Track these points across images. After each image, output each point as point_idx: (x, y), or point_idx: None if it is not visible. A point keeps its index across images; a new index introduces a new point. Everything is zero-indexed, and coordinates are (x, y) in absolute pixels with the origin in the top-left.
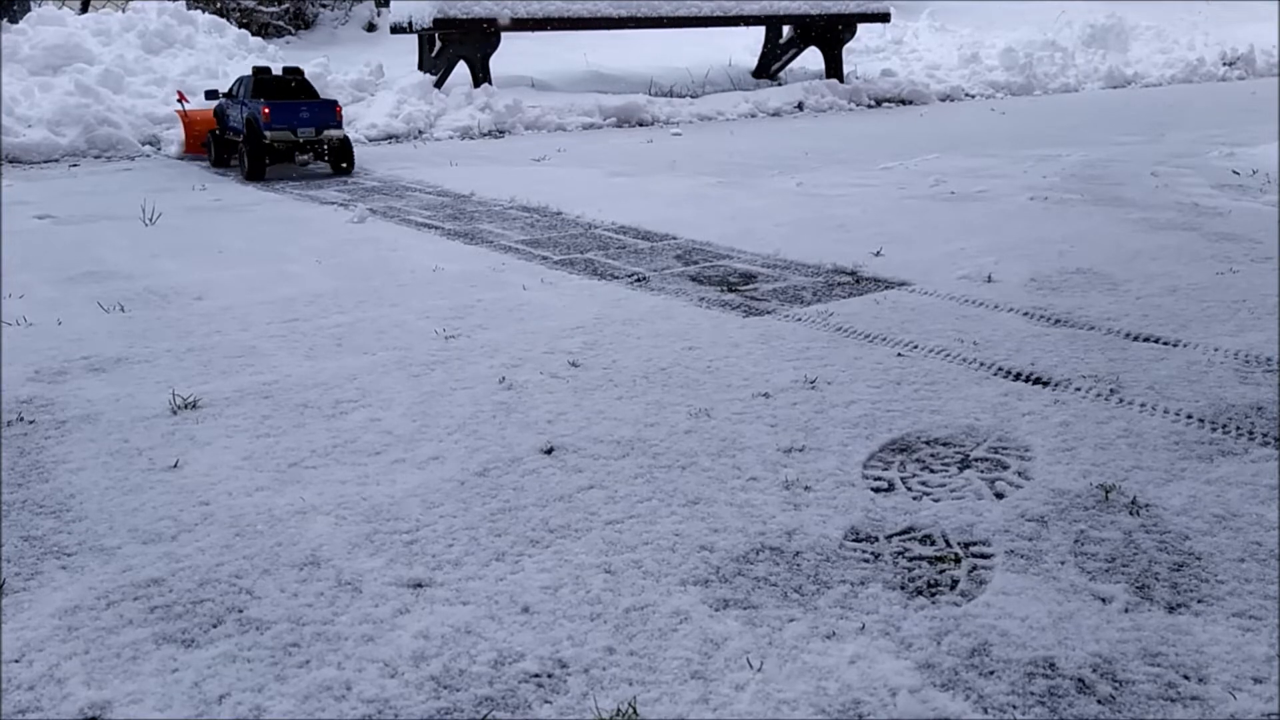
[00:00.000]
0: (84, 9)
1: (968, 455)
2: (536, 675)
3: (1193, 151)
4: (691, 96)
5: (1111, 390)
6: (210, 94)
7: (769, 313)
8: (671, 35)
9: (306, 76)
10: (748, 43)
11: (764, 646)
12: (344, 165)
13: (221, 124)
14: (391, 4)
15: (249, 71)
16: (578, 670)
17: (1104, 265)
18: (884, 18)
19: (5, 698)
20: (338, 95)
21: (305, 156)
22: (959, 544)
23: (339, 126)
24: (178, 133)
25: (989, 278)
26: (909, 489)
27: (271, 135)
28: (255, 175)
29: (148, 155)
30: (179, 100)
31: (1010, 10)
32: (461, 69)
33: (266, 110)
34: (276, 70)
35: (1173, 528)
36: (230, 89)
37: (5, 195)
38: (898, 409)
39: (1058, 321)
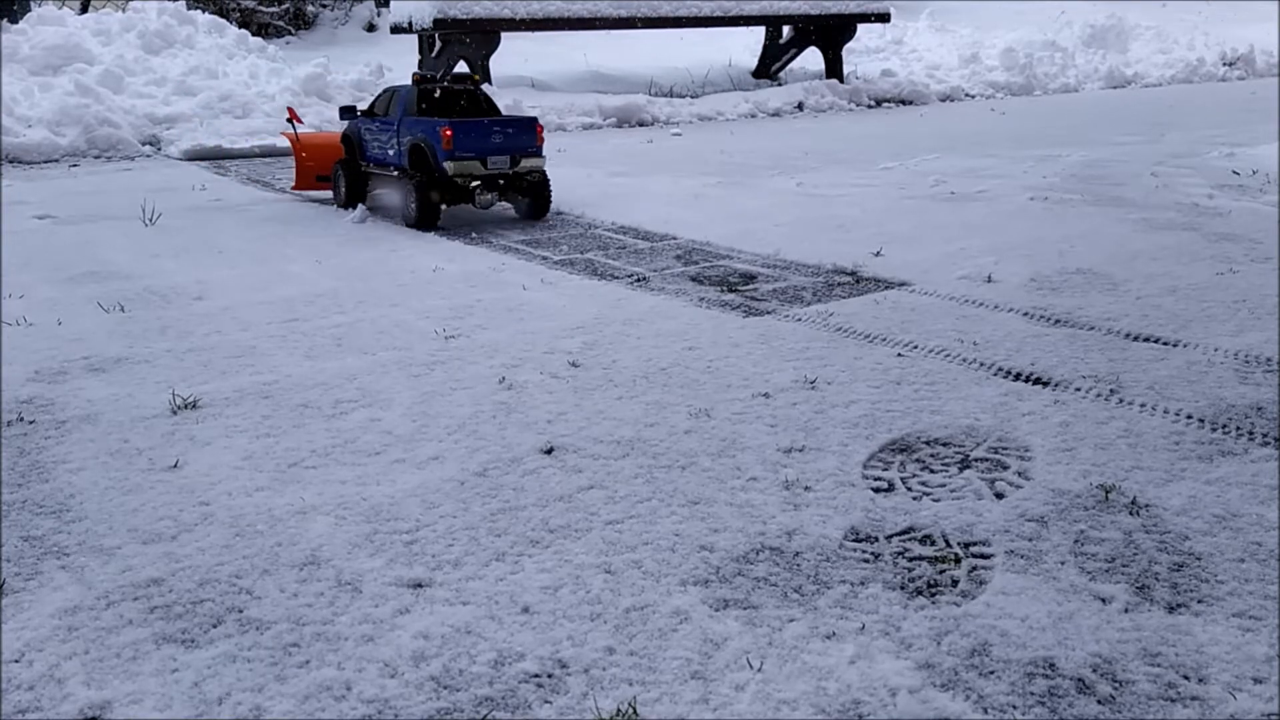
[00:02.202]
0: (84, 9)
1: (968, 455)
2: (536, 675)
3: (1193, 151)
4: (691, 96)
5: (1111, 390)
6: (346, 111)
7: (769, 313)
8: (671, 35)
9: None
10: (748, 43)
11: (764, 646)
12: (541, 209)
13: (356, 151)
14: (391, 4)
15: (398, 81)
16: (578, 670)
17: (1104, 265)
18: (884, 18)
19: (5, 698)
20: (337, 95)
21: (489, 195)
22: (959, 544)
23: (539, 154)
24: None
25: (989, 278)
26: (909, 489)
27: (454, 167)
28: (426, 221)
29: (148, 155)
30: (289, 120)
31: (1010, 10)
32: (461, 69)
33: (449, 132)
34: (429, 77)
35: (1173, 528)
36: (372, 105)
37: (5, 195)
38: (898, 409)
39: (1058, 321)
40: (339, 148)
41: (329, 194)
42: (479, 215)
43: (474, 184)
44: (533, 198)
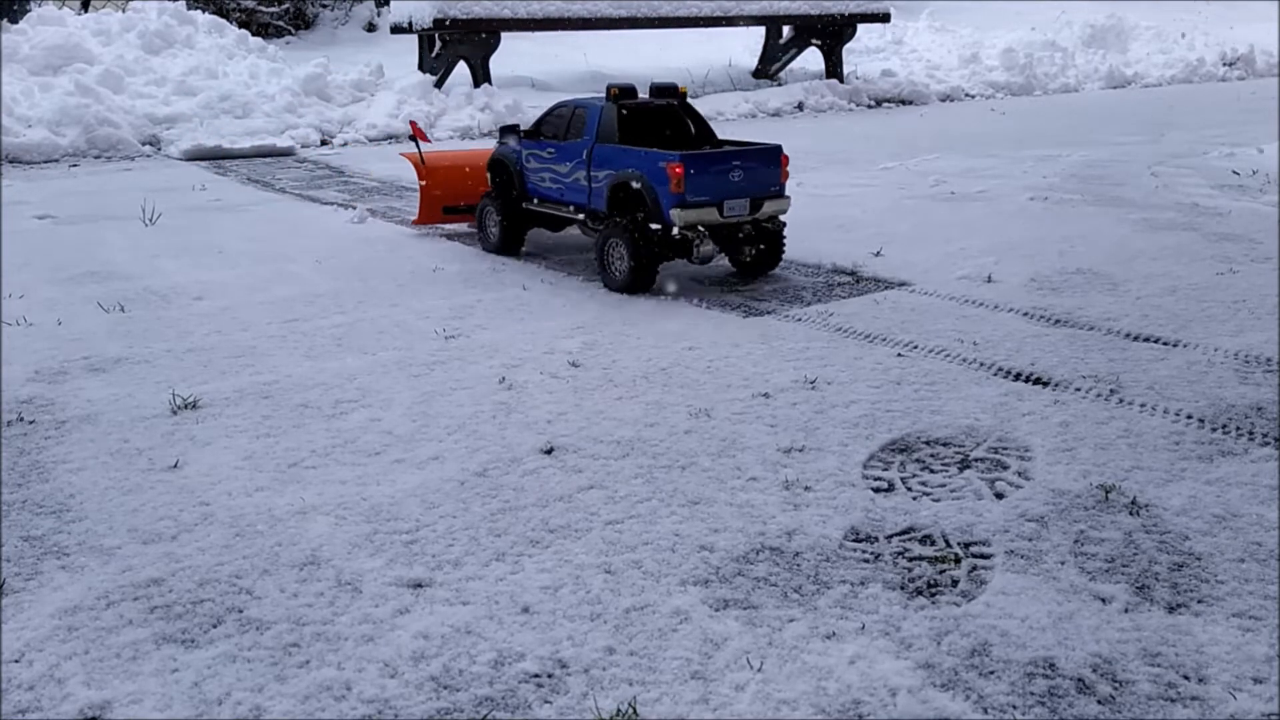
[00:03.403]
0: (84, 9)
1: (968, 455)
2: (536, 675)
3: (1193, 151)
4: (691, 96)
5: (1111, 390)
6: (507, 131)
7: (769, 313)
8: (671, 35)
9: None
10: (748, 43)
11: (764, 646)
12: (771, 261)
13: (515, 182)
14: (391, 4)
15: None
16: (578, 670)
17: (1104, 265)
18: (884, 18)
19: (5, 698)
20: (337, 95)
21: (710, 246)
22: (959, 544)
23: (783, 193)
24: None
25: (989, 278)
26: (909, 489)
27: (684, 216)
28: (640, 284)
29: (148, 155)
30: (413, 138)
31: (1010, 10)
32: (461, 69)
33: (680, 169)
34: (628, 90)
35: (1173, 528)
36: (539, 124)
37: (5, 195)
38: (898, 409)
39: (1058, 321)
40: (475, 173)
41: (458, 227)
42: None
43: (698, 243)
44: (765, 248)
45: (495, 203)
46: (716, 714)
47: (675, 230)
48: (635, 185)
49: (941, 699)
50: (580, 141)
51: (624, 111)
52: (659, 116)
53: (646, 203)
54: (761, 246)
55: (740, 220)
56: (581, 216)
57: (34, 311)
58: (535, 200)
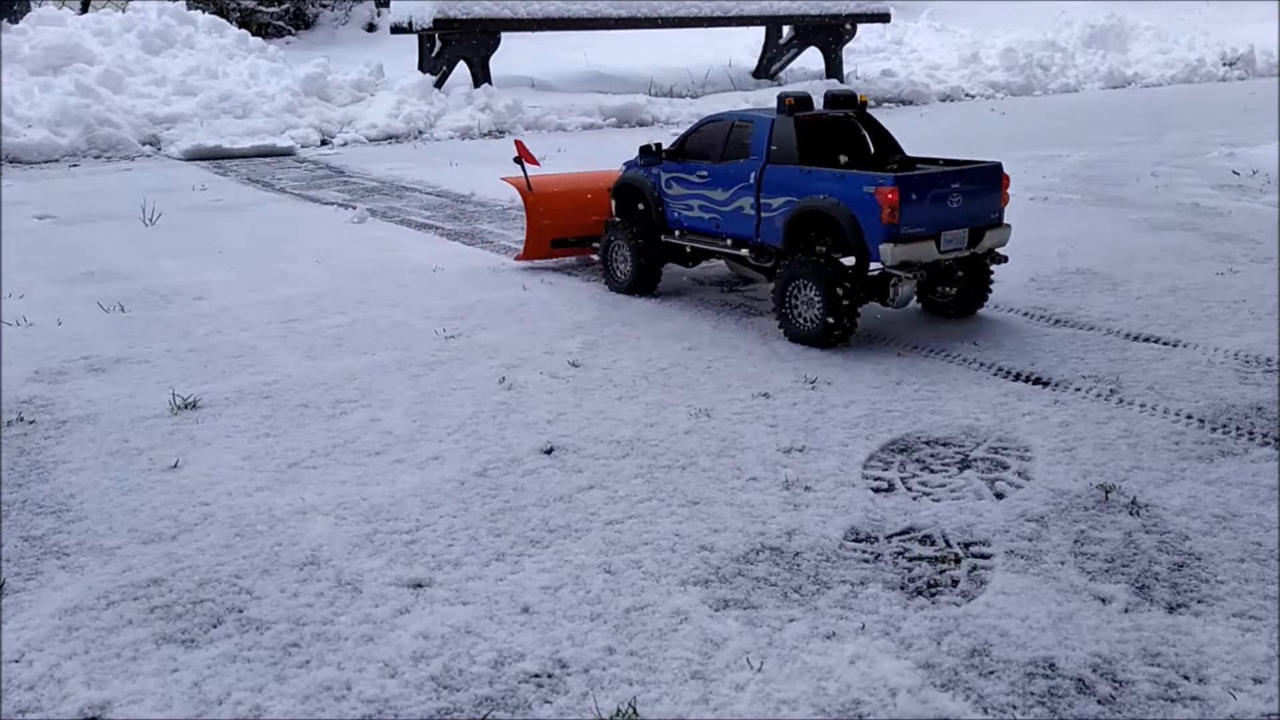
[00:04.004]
0: (84, 9)
1: (968, 455)
2: (536, 675)
3: (1193, 151)
4: (691, 97)
5: (1111, 390)
6: (647, 153)
7: (769, 313)
8: (671, 35)
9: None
10: (748, 43)
11: (764, 646)
12: (977, 299)
13: (651, 210)
14: (391, 4)
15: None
16: (578, 670)
17: (1104, 265)
18: (884, 18)
19: (5, 698)
20: (337, 95)
21: (910, 286)
22: (959, 544)
23: (1002, 220)
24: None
25: None
26: (909, 489)
27: (898, 252)
28: (838, 333)
29: (148, 155)
30: (518, 159)
31: (1010, 10)
32: (461, 69)
33: (894, 195)
34: (803, 99)
35: (1173, 528)
36: (683, 142)
37: (5, 195)
38: (898, 409)
39: (1058, 321)
40: (592, 200)
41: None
42: (479, 215)
43: (897, 281)
44: (973, 284)
45: (626, 235)
46: (716, 714)
47: (879, 268)
48: (828, 215)
49: (941, 699)
50: (745, 163)
51: (802, 126)
52: (835, 130)
53: (846, 236)
54: (961, 281)
55: (958, 256)
56: (744, 252)
57: (34, 311)
58: (678, 232)
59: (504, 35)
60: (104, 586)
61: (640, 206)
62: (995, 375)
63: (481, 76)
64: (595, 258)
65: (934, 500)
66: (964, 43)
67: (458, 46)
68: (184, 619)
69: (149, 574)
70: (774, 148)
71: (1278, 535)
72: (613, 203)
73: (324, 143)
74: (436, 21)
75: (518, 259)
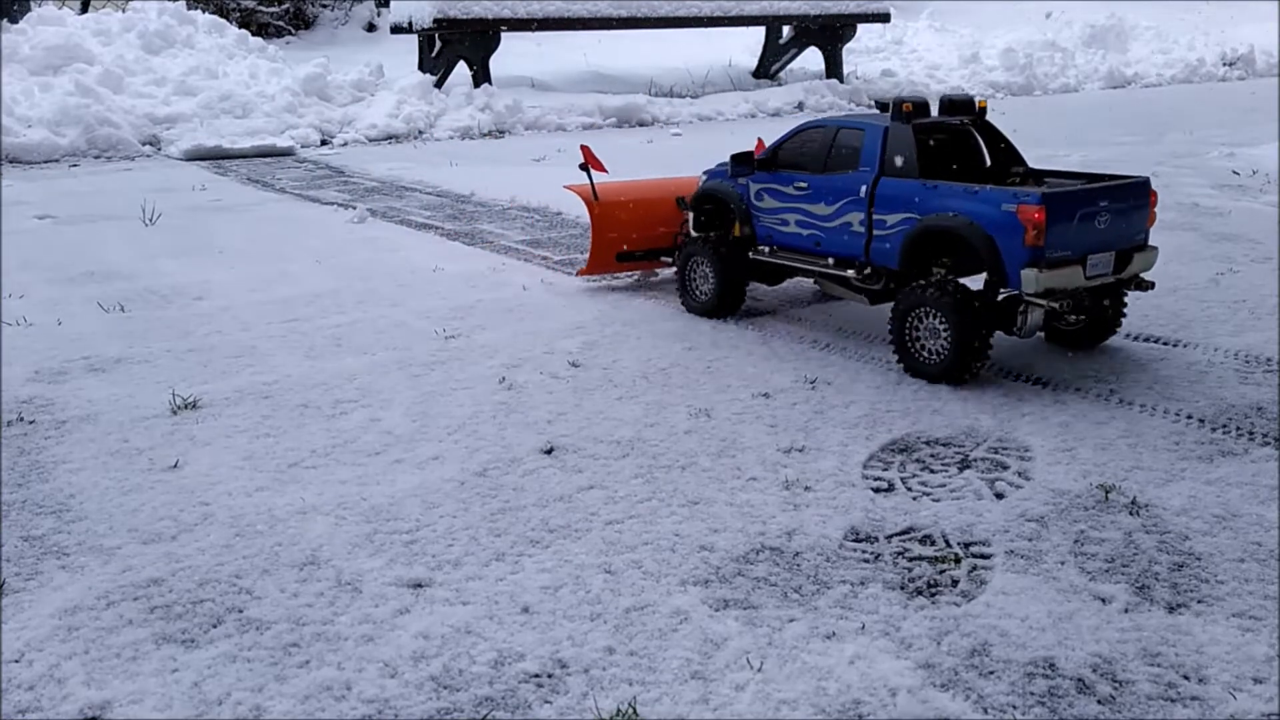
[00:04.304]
0: (84, 9)
1: (968, 455)
2: (536, 675)
3: (1193, 151)
4: (691, 97)
5: (1111, 390)
6: (741, 163)
7: (769, 313)
8: (671, 35)
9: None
10: (748, 43)
11: (764, 646)
12: (1109, 327)
13: (740, 223)
14: (391, 4)
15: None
16: (578, 670)
17: None
18: (884, 18)
19: (5, 698)
20: (337, 95)
21: (1038, 315)
22: (959, 544)
23: (1148, 241)
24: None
25: None
26: (909, 489)
27: (1043, 279)
28: (966, 365)
29: (148, 155)
30: (584, 166)
31: (1010, 10)
32: (461, 69)
33: (1040, 215)
34: (921, 105)
35: (1173, 528)
36: (775, 150)
37: (5, 195)
38: (898, 409)
39: None
40: (661, 211)
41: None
42: (479, 215)
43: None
44: (1108, 310)
45: (710, 251)
46: (716, 714)
47: (1033, 298)
48: (959, 235)
49: (941, 699)
50: (854, 175)
51: (922, 135)
52: (951, 139)
53: (979, 259)
54: (1094, 307)
55: (1103, 283)
56: (849, 273)
57: (34, 311)
58: (769, 249)
59: (504, 35)
60: (104, 586)
61: (725, 220)
62: (995, 375)
63: (481, 76)
64: (662, 272)
65: (934, 500)
66: (964, 43)
67: (458, 46)
68: (184, 619)
69: (149, 574)
70: (889, 158)
71: (1278, 535)
72: (690, 215)
73: (324, 143)
74: (436, 21)
75: (580, 274)
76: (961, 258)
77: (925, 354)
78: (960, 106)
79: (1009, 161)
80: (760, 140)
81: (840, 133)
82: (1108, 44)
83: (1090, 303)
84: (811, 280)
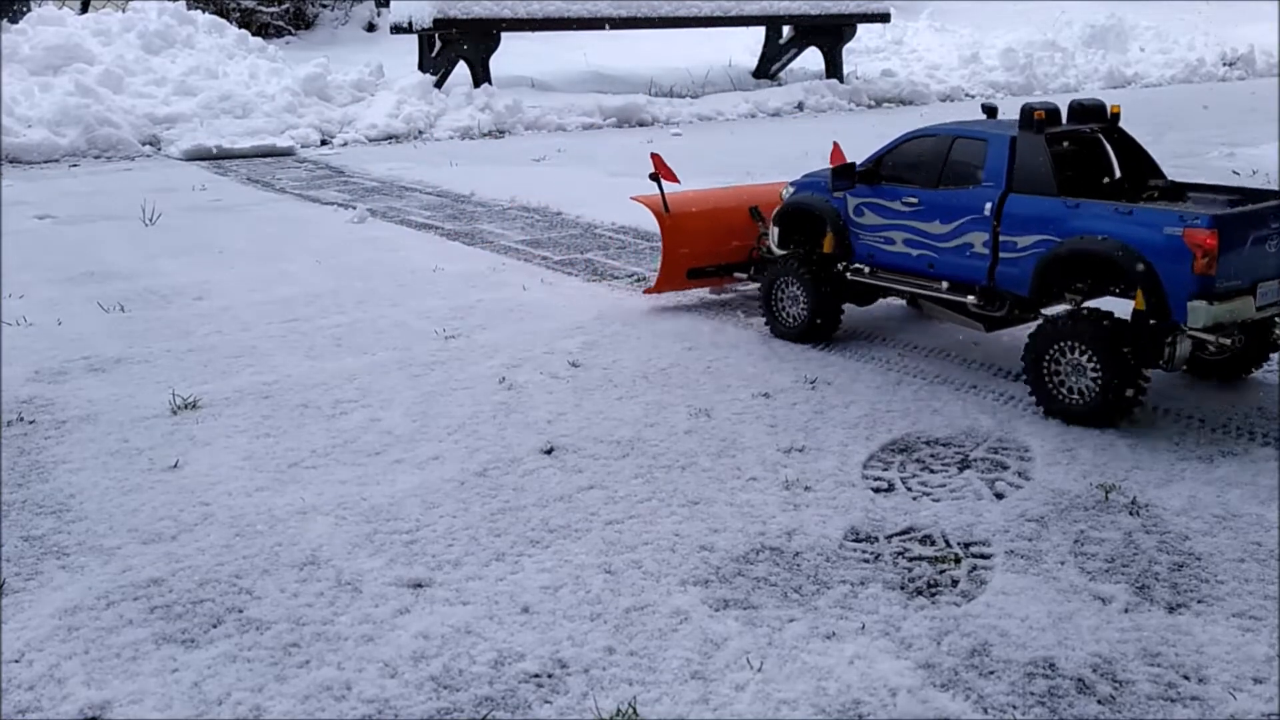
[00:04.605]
0: (84, 9)
1: (968, 455)
2: (536, 675)
3: (1193, 151)
4: (691, 96)
5: None
6: (844, 176)
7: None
8: (671, 35)
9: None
10: (748, 43)
11: (764, 646)
12: (1252, 363)
13: (836, 239)
14: (391, 4)
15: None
16: (578, 670)
17: None
18: (884, 18)
19: (5, 698)
20: (337, 95)
21: (1186, 347)
22: (959, 544)
23: None
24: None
25: None
26: (909, 489)
27: (1213, 313)
28: (1122, 407)
29: (148, 155)
30: (654, 176)
31: (1010, 10)
32: (461, 69)
33: (1211, 240)
34: (1052, 112)
35: (1173, 528)
36: (878, 160)
37: (5, 195)
38: (898, 409)
39: None
40: (735, 223)
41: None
42: (479, 215)
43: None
44: (1257, 342)
45: (800, 270)
46: (716, 714)
47: (1202, 332)
48: (1111, 259)
49: (941, 699)
50: (976, 190)
51: (1055, 146)
52: (1079, 148)
53: (1136, 288)
54: (1244, 338)
55: (1273, 314)
56: (969, 299)
57: (34, 311)
58: (868, 269)
59: (504, 35)
60: (104, 586)
61: (811, 234)
62: (995, 375)
63: (481, 76)
64: (735, 287)
65: (934, 500)
66: (964, 43)
67: (458, 46)
68: (184, 619)
69: (149, 574)
70: (1019, 172)
71: (1278, 535)
72: (775, 230)
73: (324, 143)
74: (436, 21)
75: (647, 292)
76: (1100, 283)
77: (1068, 392)
78: (1091, 113)
79: (1144, 173)
80: (836, 145)
81: (956, 143)
82: (1108, 44)
83: (1274, 335)
84: (904, 301)
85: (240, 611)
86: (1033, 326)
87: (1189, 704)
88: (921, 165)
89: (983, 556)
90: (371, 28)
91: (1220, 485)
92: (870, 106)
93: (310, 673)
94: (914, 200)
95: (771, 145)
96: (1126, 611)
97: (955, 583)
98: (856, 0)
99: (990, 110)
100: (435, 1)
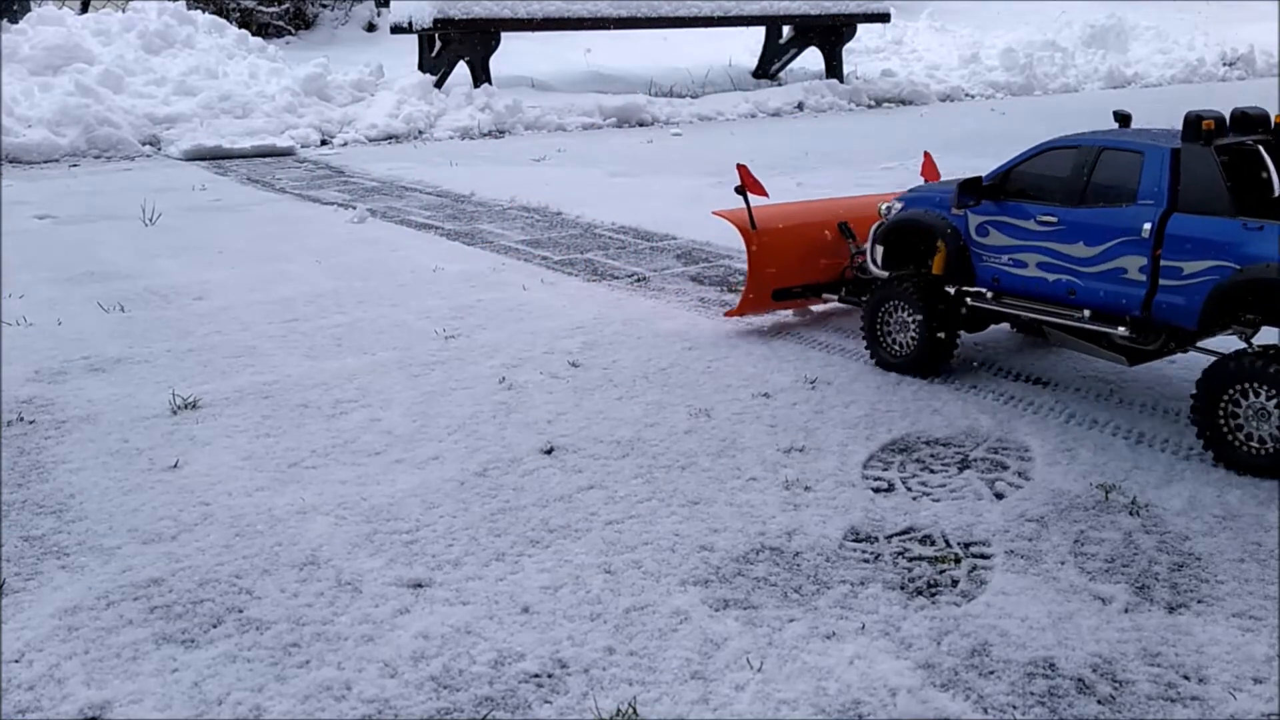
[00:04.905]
0: (84, 9)
1: (968, 455)
2: (536, 675)
3: None
4: (691, 96)
5: (1111, 390)
6: (970, 191)
7: (769, 313)
8: (671, 35)
9: None
10: (748, 43)
11: (764, 646)
12: None
13: (955, 260)
14: (391, 4)
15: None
16: (578, 670)
17: None
18: (884, 18)
19: (5, 698)
20: (337, 95)
21: None
22: (959, 544)
23: None
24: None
25: None
26: (909, 489)
27: None
28: None
29: (148, 155)
30: (740, 189)
31: (1010, 10)
32: (461, 69)
33: None
34: (1221, 122)
35: (1173, 528)
36: (1005, 176)
37: (5, 195)
38: (898, 409)
39: None
40: (824, 239)
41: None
42: (479, 215)
43: None
44: None
45: (912, 294)
46: (716, 714)
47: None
48: None
49: (941, 699)
50: (1130, 209)
51: (1226, 159)
52: (1236, 160)
53: None
54: None
55: None
56: (1120, 330)
57: (34, 311)
58: (991, 294)
59: (504, 35)
60: (104, 586)
61: (916, 253)
62: (995, 375)
63: (481, 76)
64: (819, 307)
65: (934, 500)
66: (964, 43)
67: (458, 46)
68: (184, 619)
69: (149, 574)
70: (1185, 190)
71: (1278, 535)
72: (878, 249)
73: (324, 143)
74: (436, 21)
75: (729, 315)
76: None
77: (1245, 439)
78: (1254, 122)
79: None
80: (928, 155)
81: (1104, 155)
82: (1108, 44)
83: None
84: (1012, 327)
85: (240, 611)
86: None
87: (1189, 704)
88: (1060, 180)
89: (983, 556)
90: (371, 28)
91: (1220, 485)
92: (870, 106)
93: (310, 673)
94: (1051, 219)
95: (772, 145)
96: (1126, 611)
97: (955, 583)
98: (856, 0)
99: (1124, 118)
100: (435, 1)
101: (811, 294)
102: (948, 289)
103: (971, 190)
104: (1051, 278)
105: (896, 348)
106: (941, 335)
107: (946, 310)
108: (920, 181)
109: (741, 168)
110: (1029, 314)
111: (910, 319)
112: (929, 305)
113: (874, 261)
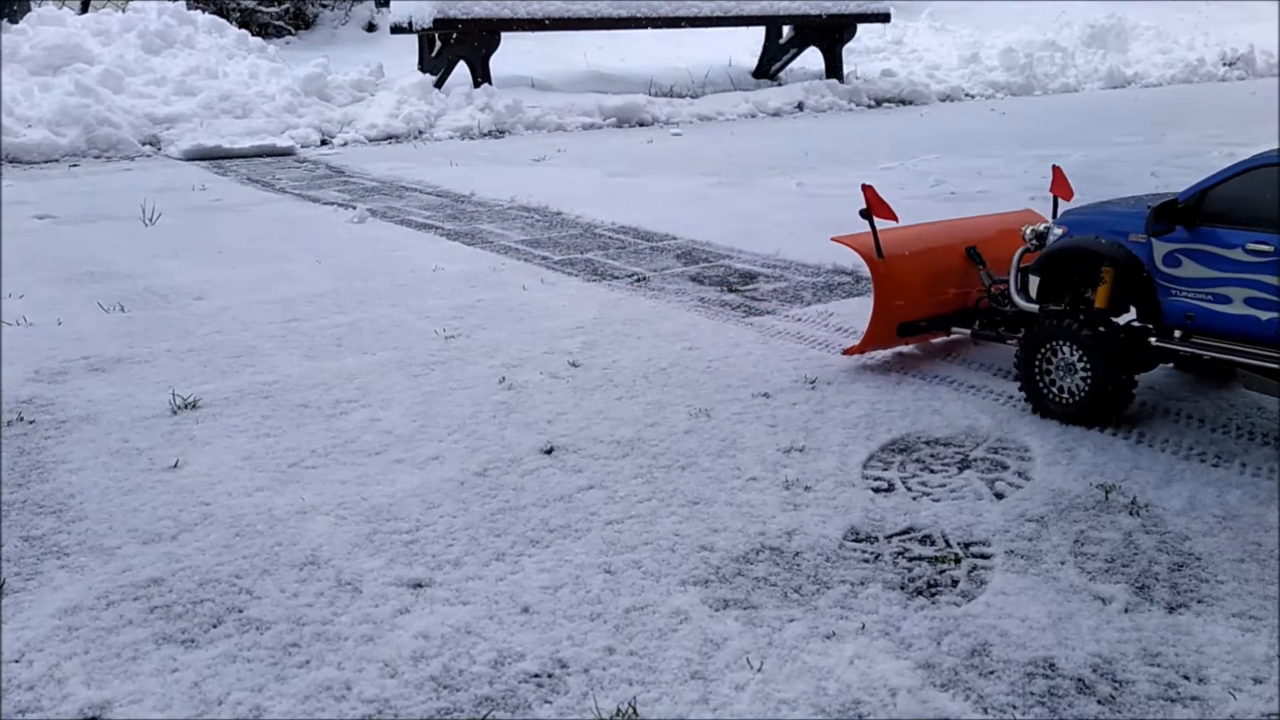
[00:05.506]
0: (84, 9)
1: (968, 455)
2: (536, 675)
3: (1193, 151)
4: (691, 96)
5: None
6: (1164, 216)
7: (769, 313)
8: (671, 35)
9: None
10: (748, 43)
11: (764, 646)
12: None
13: (1139, 291)
14: (391, 4)
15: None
16: (578, 670)
17: None
18: (884, 18)
19: (5, 698)
20: (337, 95)
21: None
22: (959, 544)
23: None
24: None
25: None
26: (909, 489)
27: None
28: None
29: (148, 155)
30: (865, 212)
31: (1010, 10)
32: (461, 69)
33: None
34: None
35: (1173, 528)
36: (1200, 198)
37: (5, 195)
38: (898, 409)
39: None
40: (953, 265)
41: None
42: (479, 215)
43: None
44: None
45: (1081, 333)
46: (716, 714)
47: None
48: None
49: (941, 699)
50: None
51: None
52: None
53: None
54: None
55: None
56: None
57: (34, 311)
58: (1180, 333)
59: (504, 35)
60: (104, 586)
61: (1077, 283)
62: (995, 375)
63: (481, 76)
64: (946, 337)
65: (934, 500)
66: (964, 43)
67: (458, 46)
68: (184, 619)
69: (149, 574)
70: None
71: (1278, 535)
72: (1036, 280)
73: (324, 143)
74: (436, 21)
75: (848, 353)
76: None
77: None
78: None
79: None
80: (1057, 169)
81: None
82: (1108, 44)
83: None
84: (1175, 366)
85: (240, 611)
86: None
87: (1189, 704)
88: (1273, 203)
89: (983, 556)
90: (371, 28)
91: (1220, 485)
92: (870, 106)
93: (310, 673)
94: (1265, 247)
95: (772, 145)
96: (1126, 612)
97: (955, 583)
98: (856, 0)
99: None
100: (435, 1)
101: (937, 327)
102: (1118, 323)
103: (1166, 216)
104: (1265, 316)
105: (1062, 392)
106: (1122, 378)
107: (1126, 351)
108: (1051, 200)
109: (867, 189)
110: (1235, 358)
111: (1078, 361)
112: (1102, 344)
113: (1022, 293)
